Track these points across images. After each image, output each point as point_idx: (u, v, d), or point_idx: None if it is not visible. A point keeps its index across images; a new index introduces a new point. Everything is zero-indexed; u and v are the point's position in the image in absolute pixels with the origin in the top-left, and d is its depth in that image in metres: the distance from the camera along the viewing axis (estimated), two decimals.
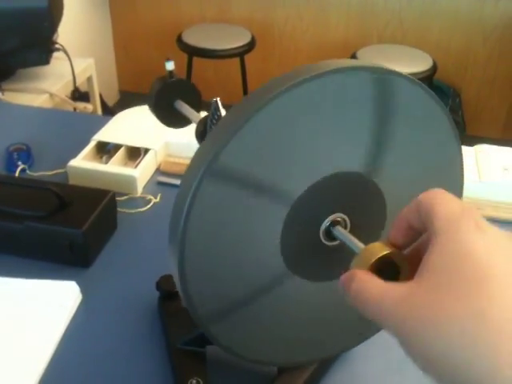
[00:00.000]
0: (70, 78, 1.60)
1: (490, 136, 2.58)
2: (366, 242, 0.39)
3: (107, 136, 0.88)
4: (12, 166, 0.85)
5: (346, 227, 0.43)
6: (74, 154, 0.83)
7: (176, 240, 0.39)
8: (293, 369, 0.52)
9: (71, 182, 0.81)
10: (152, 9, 2.78)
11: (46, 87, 1.52)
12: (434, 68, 2.15)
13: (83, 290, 0.64)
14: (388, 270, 0.34)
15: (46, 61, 1.51)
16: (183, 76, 2.39)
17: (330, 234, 0.43)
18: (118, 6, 2.80)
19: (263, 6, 2.65)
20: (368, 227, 0.45)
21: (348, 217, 0.43)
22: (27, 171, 0.84)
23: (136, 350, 0.58)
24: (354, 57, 2.21)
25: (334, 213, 0.43)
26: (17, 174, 0.83)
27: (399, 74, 0.40)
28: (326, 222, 0.43)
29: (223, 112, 0.49)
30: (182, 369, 0.53)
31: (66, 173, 0.82)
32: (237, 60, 2.37)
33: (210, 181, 0.38)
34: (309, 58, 2.73)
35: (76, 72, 1.62)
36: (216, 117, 0.50)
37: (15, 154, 0.86)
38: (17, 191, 0.71)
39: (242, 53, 2.30)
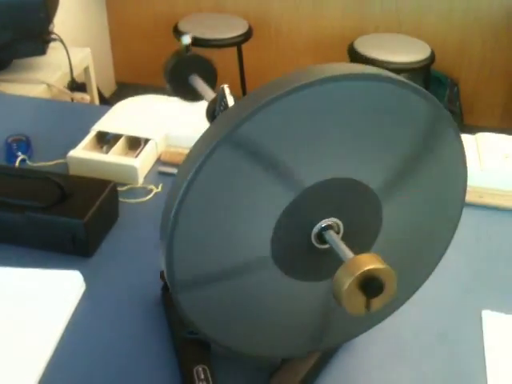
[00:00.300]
0: (67, 68, 1.59)
1: (488, 125, 2.58)
2: (356, 251, 0.39)
3: (107, 126, 0.87)
4: (11, 156, 0.84)
5: (338, 232, 0.43)
6: (74, 145, 0.82)
7: (175, 200, 0.39)
8: (296, 358, 0.52)
9: (71, 172, 0.81)
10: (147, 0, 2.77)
11: (43, 78, 1.51)
12: (432, 57, 2.14)
13: (86, 280, 0.64)
14: (373, 284, 0.34)
15: (42, 51, 1.50)
16: None
17: (321, 237, 0.43)
18: None
19: None
20: (361, 237, 0.45)
21: (343, 223, 0.43)
22: (27, 162, 0.84)
23: (140, 338, 0.58)
24: (351, 46, 2.21)
25: (329, 216, 0.42)
26: (17, 165, 0.83)
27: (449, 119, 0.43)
28: (320, 224, 0.42)
29: (230, 99, 0.49)
30: (186, 357, 0.54)
31: (66, 163, 0.81)
32: (234, 50, 2.35)
33: (227, 147, 0.38)
34: (306, 47, 2.72)
35: (73, 62, 1.61)
36: (223, 103, 0.49)
37: (14, 144, 0.86)
38: (17, 182, 0.71)
39: (239, 42, 2.29)
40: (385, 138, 0.41)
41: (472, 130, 0.89)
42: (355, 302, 0.36)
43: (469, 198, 0.78)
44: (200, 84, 0.61)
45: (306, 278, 0.45)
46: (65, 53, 1.56)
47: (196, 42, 2.37)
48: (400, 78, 0.40)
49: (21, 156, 0.84)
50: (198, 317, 0.45)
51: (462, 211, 0.49)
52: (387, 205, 0.44)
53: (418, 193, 0.45)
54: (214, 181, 0.39)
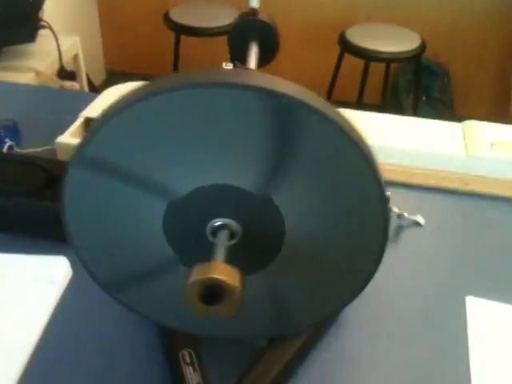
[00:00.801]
0: (56, 55, 1.58)
1: (479, 115, 2.59)
2: (256, 261, 0.41)
3: (95, 112, 0.87)
4: None
5: (234, 236, 0.42)
6: (62, 131, 0.82)
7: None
8: (283, 339, 0.53)
9: (60, 158, 0.81)
10: None
11: (32, 65, 1.50)
12: (423, 47, 2.14)
13: (73, 266, 0.64)
14: (209, 293, 0.34)
15: (31, 38, 1.49)
16: (170, 54, 2.37)
17: (216, 235, 0.42)
18: None
19: None
20: (263, 247, 0.44)
21: (242, 227, 0.42)
22: (15, 148, 0.84)
23: (126, 324, 0.58)
24: (342, 36, 2.20)
25: (223, 217, 0.42)
26: (4, 151, 0.83)
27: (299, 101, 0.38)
28: (214, 223, 0.42)
29: None
30: (172, 341, 0.54)
31: (54, 149, 0.81)
32: (225, 39, 2.34)
33: (78, 168, 0.41)
34: (297, 37, 2.71)
35: (62, 50, 1.60)
36: None
37: (2, 130, 0.85)
38: (4, 167, 0.71)
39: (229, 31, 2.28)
40: (239, 140, 0.39)
41: (463, 119, 0.90)
42: (197, 306, 0.36)
43: (454, 184, 0.79)
44: (251, 53, 0.58)
45: None
46: (54, 40, 1.55)
47: (187, 31, 2.36)
48: (232, 81, 0.37)
49: (8, 142, 0.83)
50: (139, 308, 0.48)
51: (384, 244, 0.44)
52: (289, 217, 0.42)
53: (319, 204, 0.42)
54: (82, 202, 0.42)
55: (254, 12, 0.59)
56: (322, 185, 0.41)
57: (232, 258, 0.41)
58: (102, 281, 0.47)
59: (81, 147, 0.40)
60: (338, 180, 0.41)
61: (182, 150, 0.40)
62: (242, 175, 0.41)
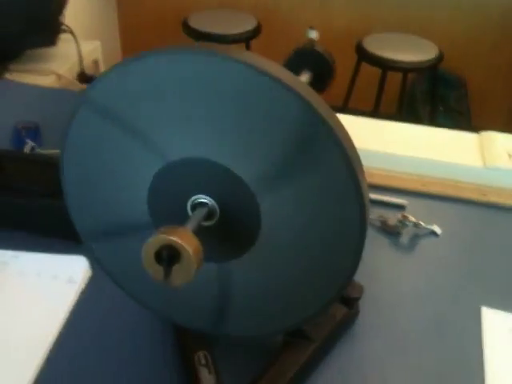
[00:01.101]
0: (76, 59, 1.61)
1: (496, 126, 2.57)
2: (231, 248, 0.41)
3: None
4: (20, 143, 0.85)
5: (213, 216, 0.42)
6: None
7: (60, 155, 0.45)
8: (297, 344, 0.53)
9: None
10: None
11: (53, 68, 1.53)
12: (440, 57, 2.14)
13: (92, 265, 0.65)
14: (163, 254, 0.34)
15: (52, 42, 1.51)
16: None
17: (194, 210, 0.43)
18: None
19: None
20: (238, 232, 0.43)
21: (219, 207, 0.42)
22: (36, 149, 0.85)
23: (142, 325, 0.59)
24: (359, 45, 2.21)
25: (204, 194, 0.42)
26: (26, 152, 0.84)
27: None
28: (195, 199, 0.42)
29: None
30: (188, 343, 0.55)
31: None
32: (242, 46, 2.36)
33: (84, 111, 0.42)
34: None
35: (82, 54, 1.62)
36: None
37: (24, 131, 0.87)
38: (26, 167, 0.72)
39: (247, 38, 2.30)
40: (250, 127, 0.39)
41: (480, 131, 0.90)
42: (154, 268, 0.36)
43: (471, 195, 0.79)
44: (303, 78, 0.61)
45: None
46: (74, 44, 1.57)
47: (205, 37, 2.38)
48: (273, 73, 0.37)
49: (30, 143, 0.85)
50: (112, 268, 0.49)
51: (361, 244, 0.42)
52: (266, 210, 0.42)
53: (298, 207, 0.41)
54: (84, 143, 0.44)
55: (311, 42, 0.63)
56: (302, 182, 0.40)
57: (207, 240, 0.42)
58: (81, 228, 0.49)
59: (87, 90, 0.41)
60: (313, 175, 0.40)
61: (183, 115, 0.39)
62: (241, 161, 0.40)
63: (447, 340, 0.59)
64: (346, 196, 0.39)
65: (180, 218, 0.43)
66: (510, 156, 0.82)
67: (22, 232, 0.69)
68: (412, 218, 0.72)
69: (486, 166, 0.81)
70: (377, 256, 0.70)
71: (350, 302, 0.58)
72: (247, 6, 2.60)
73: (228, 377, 0.52)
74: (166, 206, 0.44)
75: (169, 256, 0.34)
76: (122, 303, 0.61)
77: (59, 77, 1.52)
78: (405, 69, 2.16)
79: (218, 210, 0.42)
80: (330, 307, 0.46)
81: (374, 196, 0.78)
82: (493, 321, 0.61)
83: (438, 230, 0.73)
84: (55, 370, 0.54)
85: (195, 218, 0.40)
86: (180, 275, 0.35)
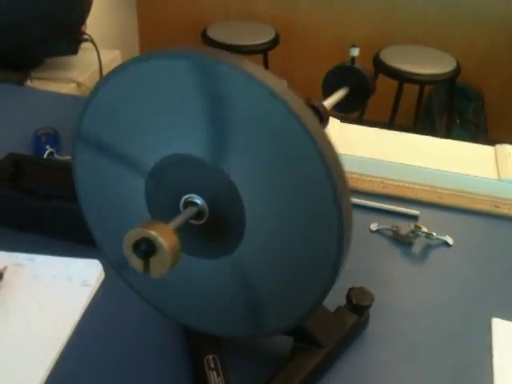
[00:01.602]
0: (97, 68, 1.63)
1: None
2: (221, 245, 0.42)
3: None
4: (40, 149, 0.87)
5: (202, 215, 0.43)
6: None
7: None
8: (307, 350, 0.54)
9: None
10: (178, 4, 2.81)
11: (74, 76, 1.55)
12: (457, 69, 2.14)
13: (106, 269, 0.66)
14: (140, 246, 0.36)
15: (74, 51, 1.54)
16: None
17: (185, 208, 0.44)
18: (144, 0, 2.83)
19: (287, 4, 2.67)
20: (226, 232, 0.44)
21: (209, 208, 0.43)
22: (55, 155, 0.87)
23: (155, 328, 0.60)
24: (377, 57, 2.21)
25: (193, 193, 0.43)
26: (45, 157, 0.86)
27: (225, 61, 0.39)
28: (186, 198, 0.43)
29: None
30: (198, 346, 0.55)
31: None
32: (260, 57, 2.38)
33: (80, 145, 0.46)
34: (331, 56, 2.73)
35: (102, 63, 1.64)
36: None
37: (43, 137, 0.89)
38: (45, 172, 0.74)
39: (265, 49, 2.32)
40: (179, 108, 0.41)
41: (497, 144, 0.90)
42: (134, 259, 0.37)
43: (485, 207, 0.79)
44: (335, 94, 0.64)
45: (197, 255, 0.47)
46: (94, 53, 1.60)
47: (223, 47, 2.39)
48: (164, 51, 0.40)
49: (49, 149, 0.87)
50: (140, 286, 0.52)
51: (340, 254, 0.42)
52: (249, 206, 0.42)
53: (280, 200, 0.41)
54: (84, 173, 0.50)
55: (352, 60, 0.66)
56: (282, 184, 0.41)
57: (199, 238, 0.44)
58: (97, 236, 0.53)
59: (76, 125, 0.46)
60: (291, 178, 0.40)
61: (143, 121, 0.42)
62: (192, 143, 0.42)
63: (457, 350, 0.59)
64: (324, 198, 0.40)
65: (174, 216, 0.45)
66: None
67: (37, 235, 0.70)
68: (424, 229, 0.72)
69: (501, 179, 0.80)
70: (388, 265, 0.70)
71: (360, 309, 0.58)
72: (266, 17, 2.62)
73: (237, 381, 0.52)
74: (162, 207, 0.46)
75: (145, 248, 0.36)
76: (133, 306, 0.62)
77: (79, 85, 1.54)
78: (421, 81, 2.16)
79: (207, 210, 0.43)
80: (318, 307, 0.45)
81: (386, 206, 0.78)
82: (504, 332, 0.60)
83: (450, 240, 0.72)
84: (67, 370, 0.55)
85: (182, 216, 0.42)
86: (157, 267, 0.37)
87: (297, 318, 0.47)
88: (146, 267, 0.37)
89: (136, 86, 0.42)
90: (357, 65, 0.66)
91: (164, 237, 0.36)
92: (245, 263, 0.45)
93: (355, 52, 0.65)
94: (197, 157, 0.42)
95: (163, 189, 0.45)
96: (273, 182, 0.41)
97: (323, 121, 0.57)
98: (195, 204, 0.43)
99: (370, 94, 0.67)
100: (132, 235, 0.36)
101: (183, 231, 0.41)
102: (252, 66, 0.39)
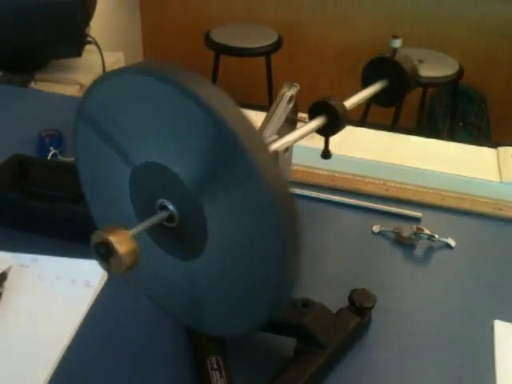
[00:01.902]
0: (100, 70, 1.64)
1: None
2: (186, 251, 0.45)
3: None
4: (44, 150, 0.88)
5: (174, 221, 0.45)
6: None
7: None
8: (309, 351, 0.54)
9: None
10: (180, 7, 2.82)
11: (77, 78, 1.56)
12: (460, 72, 2.14)
13: None
14: (100, 249, 0.39)
15: (78, 53, 1.55)
16: (209, 72, 2.42)
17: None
18: (147, 3, 2.84)
19: (290, 6, 2.67)
20: (191, 241, 0.46)
21: (179, 215, 0.44)
22: (58, 156, 0.87)
23: (158, 328, 0.60)
24: None
25: (167, 199, 0.45)
26: (48, 158, 0.86)
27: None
28: (160, 202, 0.45)
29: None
30: (201, 348, 0.55)
31: None
32: (263, 59, 2.38)
33: (81, 123, 0.49)
34: (334, 59, 2.74)
35: (106, 65, 1.65)
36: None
37: (47, 139, 0.89)
38: (48, 173, 0.74)
39: (268, 52, 2.32)
40: (178, 132, 0.42)
41: (500, 147, 0.90)
42: (97, 257, 0.40)
43: (487, 209, 0.79)
44: (371, 87, 0.61)
45: (168, 251, 0.49)
46: (98, 55, 1.61)
47: (226, 50, 2.41)
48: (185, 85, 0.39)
49: (52, 150, 0.87)
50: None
51: (282, 286, 0.42)
52: (210, 219, 0.43)
53: (227, 217, 0.43)
54: (82, 150, 0.52)
55: (393, 52, 0.61)
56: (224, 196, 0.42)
57: (170, 238, 0.47)
58: (93, 212, 0.56)
59: (80, 103, 0.47)
60: (232, 190, 0.41)
61: (140, 125, 0.44)
62: (171, 159, 0.43)
63: (459, 352, 0.59)
64: (264, 209, 0.39)
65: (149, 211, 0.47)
66: None
67: (41, 235, 0.71)
68: (427, 231, 0.72)
69: (503, 181, 0.81)
70: (391, 267, 0.70)
71: (362, 311, 0.58)
72: (269, 19, 2.63)
73: (240, 382, 0.53)
74: (141, 201, 0.48)
75: (104, 251, 0.39)
76: (136, 307, 0.62)
77: (82, 86, 1.55)
78: (424, 84, 2.16)
79: (178, 217, 0.45)
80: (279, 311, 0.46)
81: (389, 208, 0.78)
82: (506, 334, 0.60)
83: (452, 242, 0.73)
84: (70, 370, 0.55)
85: (151, 219, 0.44)
86: (115, 268, 0.40)
87: (239, 329, 0.48)
88: (107, 265, 0.40)
89: (123, 94, 0.44)
90: (398, 57, 0.61)
91: (120, 243, 0.38)
92: (198, 273, 0.47)
93: (397, 44, 0.61)
94: (175, 173, 0.43)
95: (144, 187, 0.47)
96: (234, 215, 0.42)
97: (339, 123, 0.54)
98: (167, 209, 0.45)
99: (409, 89, 0.62)
100: (95, 237, 0.39)
101: (159, 227, 0.45)
102: (208, 92, 0.39)
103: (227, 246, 0.44)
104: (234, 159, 0.39)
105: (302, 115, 0.58)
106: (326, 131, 0.56)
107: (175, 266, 0.49)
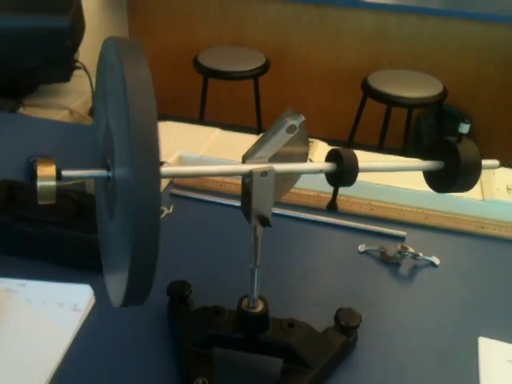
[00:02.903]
0: (89, 95, 1.65)
1: (503, 162, 2.59)
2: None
3: None
4: (32, 176, 0.88)
5: (110, 180, 0.47)
6: (94, 166, 0.86)
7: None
8: (296, 371, 0.54)
9: (89, 191, 0.84)
10: (169, 32, 2.86)
11: (66, 103, 1.57)
12: (445, 93, 2.18)
13: (97, 294, 0.66)
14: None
15: (66, 78, 1.56)
16: (198, 96, 2.43)
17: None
18: (136, 29, 2.88)
19: (278, 30, 2.72)
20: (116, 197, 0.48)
21: (112, 174, 0.48)
22: None
23: (145, 351, 0.60)
24: (365, 81, 2.25)
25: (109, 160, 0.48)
26: None
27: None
28: (107, 162, 0.48)
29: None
30: (188, 369, 0.56)
31: (84, 183, 0.85)
32: (251, 82, 2.41)
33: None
34: (321, 81, 2.77)
35: (95, 90, 1.67)
36: None
37: (35, 164, 0.90)
38: (36, 198, 0.75)
39: (256, 75, 2.35)
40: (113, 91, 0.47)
41: None
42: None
43: (470, 227, 0.80)
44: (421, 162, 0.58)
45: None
46: (87, 80, 1.62)
47: (214, 74, 2.43)
48: None
49: None
50: None
51: None
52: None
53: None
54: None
55: (459, 136, 0.55)
56: None
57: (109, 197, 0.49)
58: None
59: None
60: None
61: (107, 88, 0.49)
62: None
63: (445, 370, 0.59)
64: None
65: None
66: (508, 189, 0.83)
67: (29, 259, 0.71)
68: (411, 249, 0.73)
69: (485, 200, 0.82)
70: (376, 286, 0.71)
71: (348, 330, 0.59)
72: (256, 43, 2.67)
73: None
74: (102, 160, 0.52)
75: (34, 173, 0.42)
76: (123, 330, 0.62)
77: (71, 112, 1.56)
78: (409, 105, 2.19)
79: (111, 176, 0.48)
80: None
81: (374, 227, 0.79)
82: (490, 351, 0.61)
83: (436, 260, 0.74)
84: None
85: (81, 171, 0.49)
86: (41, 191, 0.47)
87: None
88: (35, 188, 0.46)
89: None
90: (459, 145, 0.54)
91: (43, 171, 0.46)
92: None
93: (465, 129, 0.53)
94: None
95: (106, 143, 0.50)
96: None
97: (345, 173, 0.51)
98: (108, 169, 0.48)
99: (458, 177, 0.55)
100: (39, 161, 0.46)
101: (106, 188, 0.50)
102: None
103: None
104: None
105: None
106: (335, 180, 0.53)
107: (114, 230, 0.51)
